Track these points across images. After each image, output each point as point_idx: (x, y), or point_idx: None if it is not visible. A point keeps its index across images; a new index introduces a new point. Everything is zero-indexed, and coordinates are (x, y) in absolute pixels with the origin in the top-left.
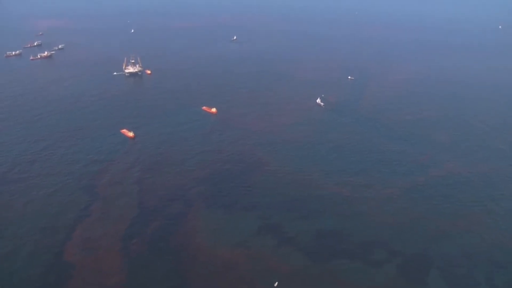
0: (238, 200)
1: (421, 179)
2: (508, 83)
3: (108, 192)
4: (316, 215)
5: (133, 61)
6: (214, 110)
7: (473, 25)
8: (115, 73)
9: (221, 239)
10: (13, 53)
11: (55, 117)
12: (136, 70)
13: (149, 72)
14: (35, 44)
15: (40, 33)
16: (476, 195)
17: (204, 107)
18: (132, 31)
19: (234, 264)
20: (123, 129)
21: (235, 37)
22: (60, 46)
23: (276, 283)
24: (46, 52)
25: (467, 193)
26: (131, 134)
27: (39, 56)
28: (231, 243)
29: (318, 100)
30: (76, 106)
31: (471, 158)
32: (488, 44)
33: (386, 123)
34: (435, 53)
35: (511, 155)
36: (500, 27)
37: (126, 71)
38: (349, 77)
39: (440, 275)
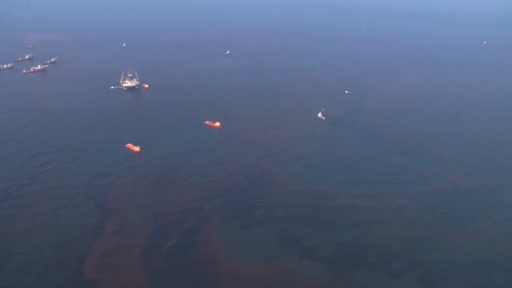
0: (252, 213)
1: (429, 190)
2: (499, 97)
3: (121, 206)
4: (331, 227)
5: (130, 75)
6: (217, 124)
7: (459, 41)
8: (112, 87)
9: (242, 253)
10: (5, 66)
11: (54, 131)
12: (133, 84)
13: (146, 86)
14: (27, 57)
15: (31, 46)
16: (482, 206)
17: (207, 122)
18: (124, 45)
19: (258, 277)
20: (128, 143)
21: (228, 52)
22: (52, 60)
23: None
24: (39, 66)
25: (473, 202)
26: (137, 148)
27: (32, 70)
28: (252, 256)
29: (319, 114)
30: (76, 120)
31: (472, 170)
32: (475, 60)
33: (387, 136)
34: (426, 67)
35: (509, 165)
36: (484, 42)
37: (124, 85)
38: (346, 91)
39: (459, 286)
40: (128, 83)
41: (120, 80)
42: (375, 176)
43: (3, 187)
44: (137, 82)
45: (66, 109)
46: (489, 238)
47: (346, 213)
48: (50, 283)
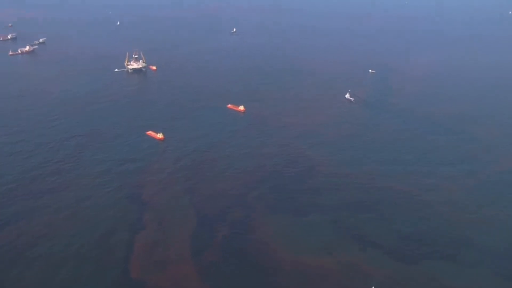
0: (299, 200)
1: (483, 173)
2: None
3: (157, 201)
4: (389, 215)
5: (136, 56)
6: (241, 108)
7: (482, 14)
8: (116, 70)
9: (301, 246)
10: None
11: (65, 120)
12: (140, 66)
13: (154, 68)
14: (9, 37)
15: (10, 24)
16: None
17: (229, 105)
18: (118, 23)
19: (327, 272)
20: (148, 131)
21: (234, 29)
22: (41, 40)
23: None
24: (27, 47)
25: None
26: (159, 135)
27: (19, 51)
28: (313, 249)
29: (347, 95)
30: (84, 107)
31: None
32: (501, 34)
33: (420, 116)
34: (448, 44)
35: None
36: (510, 12)
37: (129, 67)
38: (370, 71)
39: None
40: (134, 65)
41: (125, 62)
42: (425, 159)
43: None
44: (144, 64)
45: (70, 95)
46: None
47: (396, 197)
48: (97, 285)
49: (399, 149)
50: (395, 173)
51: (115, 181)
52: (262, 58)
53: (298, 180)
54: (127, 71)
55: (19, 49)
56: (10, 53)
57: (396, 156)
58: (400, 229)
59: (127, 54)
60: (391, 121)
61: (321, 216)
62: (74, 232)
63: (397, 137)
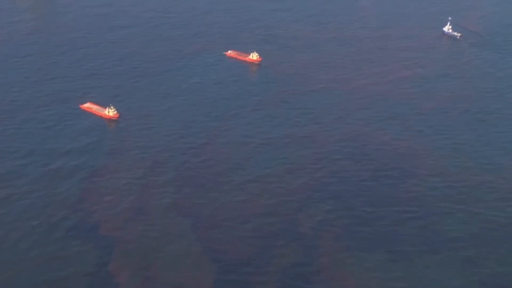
0: (404, 230)
1: None
2: None
3: (129, 240)
4: None
5: None
6: (255, 57)
7: None
8: None
9: None
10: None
11: None
12: None
13: None
14: None
15: None
16: None
17: (230, 53)
18: None
19: None
20: (85, 102)
21: None
22: None
23: None
24: None
25: None
26: (110, 112)
27: None
28: None
29: (447, 28)
30: None
31: None
32: None
33: None
34: None
35: None
36: None
37: None
38: None
39: None
40: None
41: None
42: None
43: None
44: None
45: None
46: None
47: None
48: None
49: None
50: None
51: (41, 199)
52: None
53: (382, 189)
54: None
55: None
56: None
57: None
58: None
59: None
60: None
61: (447, 257)
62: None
63: None
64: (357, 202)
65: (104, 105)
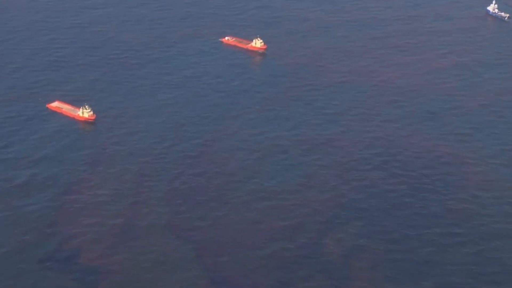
0: (454, 258)
1: None
2: None
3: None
4: None
5: None
6: (259, 44)
7: None
8: None
9: None
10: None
11: None
12: None
13: None
14: None
15: None
16: None
17: (227, 39)
18: None
19: None
20: (52, 101)
21: None
22: None
23: None
24: None
25: None
26: (85, 112)
27: None
28: None
29: (492, 8)
30: None
31: None
32: None
33: None
34: None
35: None
36: None
37: None
38: None
39: None
40: None
41: None
42: None
43: None
44: None
45: None
46: None
47: None
48: None
49: None
50: None
51: (5, 221)
52: None
53: (423, 206)
54: None
55: None
56: None
57: None
58: None
59: None
60: None
61: None
62: None
63: None
64: (393, 222)
65: (77, 104)
